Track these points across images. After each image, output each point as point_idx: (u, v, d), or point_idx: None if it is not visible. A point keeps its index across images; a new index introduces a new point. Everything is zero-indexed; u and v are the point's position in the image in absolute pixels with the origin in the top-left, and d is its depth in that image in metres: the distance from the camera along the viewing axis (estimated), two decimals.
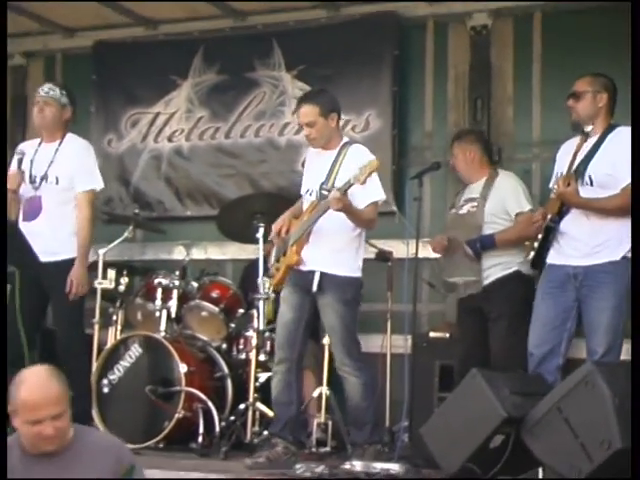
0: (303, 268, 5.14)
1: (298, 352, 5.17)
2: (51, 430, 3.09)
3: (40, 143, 5.72)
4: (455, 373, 5.36)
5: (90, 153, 5.74)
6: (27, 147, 5.77)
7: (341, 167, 5.12)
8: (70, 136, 5.72)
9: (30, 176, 5.59)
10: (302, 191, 5.37)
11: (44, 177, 5.57)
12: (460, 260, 5.48)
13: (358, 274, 5.16)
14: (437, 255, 5.71)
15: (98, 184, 5.69)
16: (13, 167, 5.67)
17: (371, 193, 5.08)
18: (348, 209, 4.95)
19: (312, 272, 5.09)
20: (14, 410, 3.13)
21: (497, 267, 5.41)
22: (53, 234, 5.51)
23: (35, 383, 3.14)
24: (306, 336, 5.25)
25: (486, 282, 5.42)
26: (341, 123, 5.48)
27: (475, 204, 5.57)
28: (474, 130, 6.10)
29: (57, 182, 5.57)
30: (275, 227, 5.27)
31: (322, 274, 5.07)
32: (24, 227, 5.53)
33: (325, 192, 5.05)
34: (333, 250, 5.10)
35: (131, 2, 7.09)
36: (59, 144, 5.64)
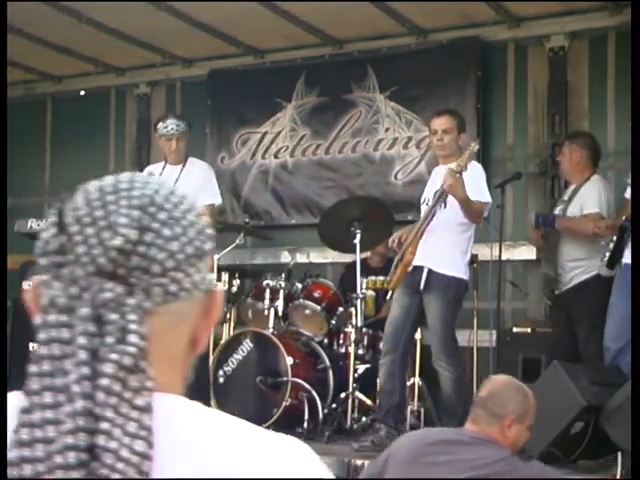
0: (413, 265, 4.96)
1: (403, 346, 5.06)
2: None
3: (164, 166, 5.77)
4: (544, 362, 5.23)
5: (210, 173, 5.75)
6: (154, 169, 5.81)
7: None
8: (191, 160, 5.76)
9: None
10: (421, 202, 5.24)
11: None
12: (553, 255, 5.34)
13: (463, 276, 4.99)
14: (518, 258, 5.58)
15: (217, 200, 5.71)
16: None
17: (481, 194, 4.92)
18: (460, 189, 4.71)
19: (420, 268, 4.94)
20: (523, 416, 3.07)
21: (580, 271, 5.25)
22: None
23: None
24: (412, 332, 5.16)
25: (570, 285, 5.28)
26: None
27: (563, 207, 5.43)
28: (588, 134, 5.71)
29: None
30: (395, 236, 5.17)
31: (430, 272, 4.92)
32: None
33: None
34: (442, 248, 4.93)
35: (241, 34, 7.18)
36: (182, 167, 5.69)
